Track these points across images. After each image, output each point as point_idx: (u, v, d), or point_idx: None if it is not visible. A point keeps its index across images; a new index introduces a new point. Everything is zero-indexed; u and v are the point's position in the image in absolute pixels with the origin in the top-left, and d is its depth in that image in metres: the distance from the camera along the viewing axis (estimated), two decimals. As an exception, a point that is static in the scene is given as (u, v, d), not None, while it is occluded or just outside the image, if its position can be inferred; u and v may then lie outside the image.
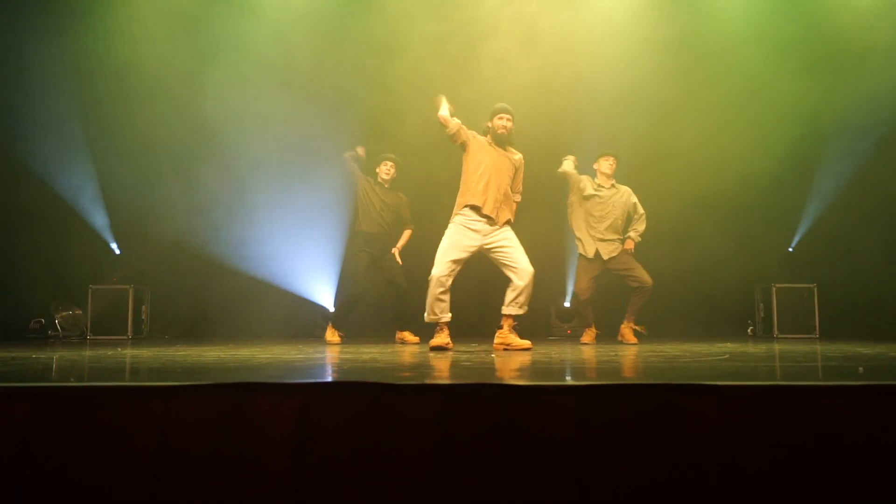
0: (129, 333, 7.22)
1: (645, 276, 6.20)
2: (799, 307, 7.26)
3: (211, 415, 2.29)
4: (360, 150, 6.69)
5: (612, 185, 6.37)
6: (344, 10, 7.64)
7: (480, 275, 7.09)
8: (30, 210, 7.41)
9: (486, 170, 5.18)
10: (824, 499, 2.21)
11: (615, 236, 6.30)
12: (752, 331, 7.70)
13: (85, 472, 2.21)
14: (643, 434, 2.25)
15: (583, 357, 4.36)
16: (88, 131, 7.38)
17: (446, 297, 5.11)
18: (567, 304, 7.82)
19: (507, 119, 5.25)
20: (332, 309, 7.64)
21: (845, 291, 7.34)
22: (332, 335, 6.41)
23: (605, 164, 6.36)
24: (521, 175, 5.41)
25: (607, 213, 6.29)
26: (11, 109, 7.29)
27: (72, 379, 2.83)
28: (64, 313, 7.15)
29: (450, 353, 4.83)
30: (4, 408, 2.25)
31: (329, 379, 2.94)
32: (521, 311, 5.18)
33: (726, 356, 4.29)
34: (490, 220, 5.16)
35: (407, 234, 6.69)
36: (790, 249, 7.71)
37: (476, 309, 7.66)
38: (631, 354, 4.58)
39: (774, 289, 7.35)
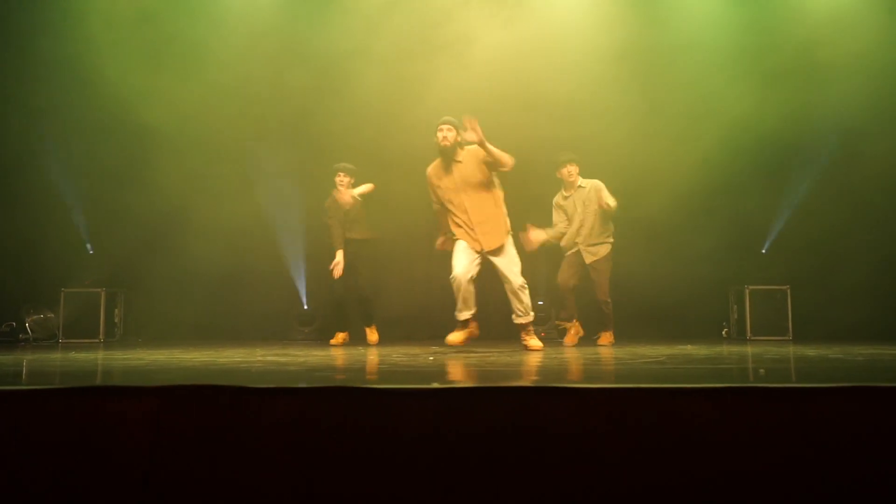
0: (100, 337, 7.27)
1: (600, 291, 6.19)
2: (772, 309, 7.14)
3: (64, 419, 2.29)
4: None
5: (579, 187, 6.27)
6: (304, 24, 7.69)
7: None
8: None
9: (450, 202, 5.35)
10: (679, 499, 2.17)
11: (596, 241, 6.22)
12: (726, 333, 7.59)
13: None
14: (497, 438, 2.22)
15: (490, 360, 4.28)
16: (57, 135, 7.47)
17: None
18: (540, 303, 7.76)
19: (446, 129, 5.28)
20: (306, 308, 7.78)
21: (819, 293, 7.19)
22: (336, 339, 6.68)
23: (564, 173, 6.29)
24: (489, 151, 5.18)
25: (574, 213, 6.24)
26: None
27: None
28: (35, 317, 7.20)
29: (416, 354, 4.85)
30: None
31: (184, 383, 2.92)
32: (523, 320, 5.40)
33: (663, 359, 4.23)
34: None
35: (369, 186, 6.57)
36: (763, 251, 7.59)
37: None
38: (568, 356, 4.53)
39: (748, 290, 7.23)
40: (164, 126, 7.31)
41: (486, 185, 5.33)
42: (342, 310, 6.74)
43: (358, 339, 6.80)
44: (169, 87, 7.27)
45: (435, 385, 2.33)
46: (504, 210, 5.46)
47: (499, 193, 5.44)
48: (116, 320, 7.54)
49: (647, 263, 7.44)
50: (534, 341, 5.44)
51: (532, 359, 4.45)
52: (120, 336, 7.57)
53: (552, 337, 7.53)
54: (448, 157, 5.32)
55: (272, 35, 7.62)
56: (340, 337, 6.73)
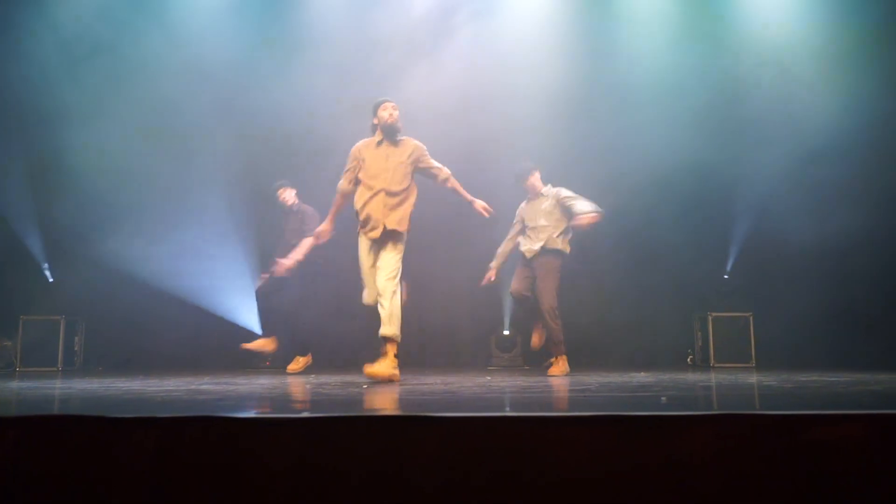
0: (59, 365, 7.19)
1: (544, 297, 5.77)
2: (735, 336, 7.08)
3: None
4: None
5: (540, 195, 6.08)
6: (258, 34, 7.80)
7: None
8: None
9: (367, 173, 5.13)
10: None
11: (538, 238, 5.94)
12: (691, 360, 7.50)
13: None
14: (361, 467, 2.16)
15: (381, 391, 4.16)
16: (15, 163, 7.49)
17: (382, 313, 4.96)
18: (506, 332, 7.69)
19: (391, 107, 5.15)
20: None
21: (782, 320, 7.13)
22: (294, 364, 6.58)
23: (529, 184, 6.09)
24: (427, 158, 5.21)
25: (530, 219, 6.07)
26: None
27: None
28: (-9, 345, 7.17)
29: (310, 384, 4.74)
30: None
31: (47, 412, 2.87)
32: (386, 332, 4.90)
33: (595, 387, 4.16)
34: (368, 228, 5.07)
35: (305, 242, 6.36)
36: (725, 276, 7.55)
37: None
38: (490, 385, 4.45)
39: (711, 317, 7.17)
40: (122, 157, 7.35)
41: (407, 177, 5.16)
42: (297, 333, 6.65)
43: (317, 364, 6.73)
44: (126, 127, 7.32)
45: (305, 415, 2.27)
46: (410, 209, 5.18)
47: (414, 192, 5.22)
48: (76, 348, 7.47)
49: (613, 292, 7.43)
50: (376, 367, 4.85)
51: (434, 387, 4.27)
52: (80, 364, 7.50)
53: (517, 365, 7.44)
54: (391, 138, 5.16)
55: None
56: (302, 361, 6.60)
